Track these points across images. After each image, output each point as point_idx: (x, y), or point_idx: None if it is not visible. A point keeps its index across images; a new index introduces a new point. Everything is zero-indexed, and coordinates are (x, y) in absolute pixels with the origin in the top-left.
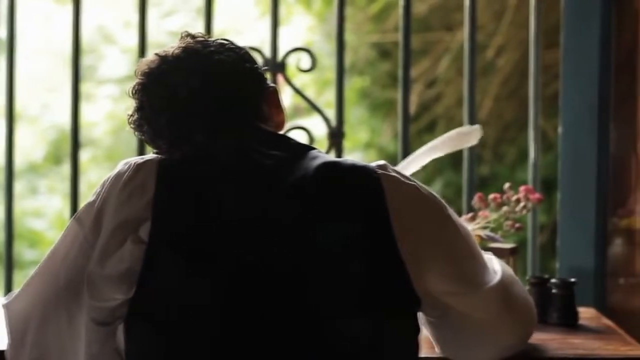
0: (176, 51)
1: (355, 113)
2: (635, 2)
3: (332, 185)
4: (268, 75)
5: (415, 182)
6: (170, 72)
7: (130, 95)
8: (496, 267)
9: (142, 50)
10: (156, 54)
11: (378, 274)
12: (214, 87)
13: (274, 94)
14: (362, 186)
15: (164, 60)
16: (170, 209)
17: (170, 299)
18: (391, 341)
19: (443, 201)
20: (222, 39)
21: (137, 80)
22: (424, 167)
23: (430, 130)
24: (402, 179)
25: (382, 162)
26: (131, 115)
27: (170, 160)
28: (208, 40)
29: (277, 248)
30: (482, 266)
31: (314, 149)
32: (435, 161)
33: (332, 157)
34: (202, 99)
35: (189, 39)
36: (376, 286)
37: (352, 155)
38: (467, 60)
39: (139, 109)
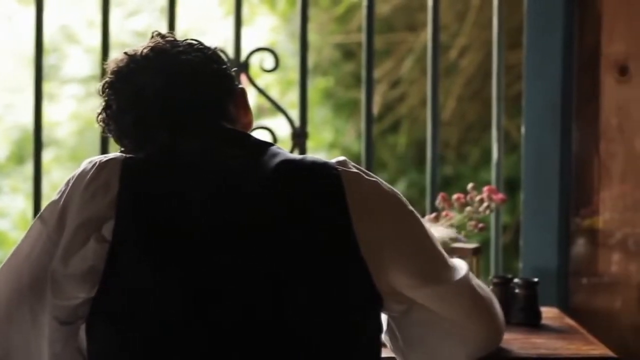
0: (145, 50)
1: (319, 113)
2: (598, 2)
3: (292, 182)
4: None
5: (376, 178)
6: (137, 72)
7: (99, 93)
8: (458, 263)
9: (105, 50)
10: (125, 53)
11: (338, 272)
12: (179, 87)
13: (242, 95)
14: (322, 183)
15: (133, 60)
16: (133, 208)
17: (132, 298)
18: (353, 339)
19: (404, 198)
20: (191, 40)
21: (105, 79)
22: (387, 167)
23: (394, 131)
24: (363, 175)
25: (342, 158)
26: (99, 114)
27: (134, 159)
28: (177, 41)
29: (239, 248)
30: (446, 262)
31: (273, 145)
32: (398, 161)
33: (292, 154)
34: (167, 99)
35: (158, 39)
36: (337, 284)
37: (316, 155)
38: (430, 61)
39: (106, 107)
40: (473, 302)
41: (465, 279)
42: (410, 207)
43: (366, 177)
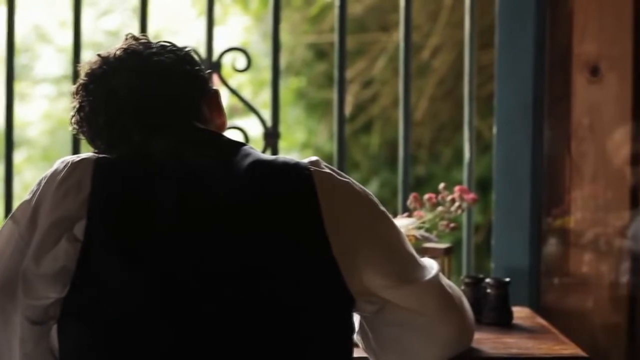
0: (118, 52)
1: (292, 113)
2: (569, 3)
3: (263, 183)
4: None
5: (348, 179)
6: (110, 73)
7: (72, 95)
8: (429, 263)
9: (77, 50)
10: (98, 55)
11: (310, 273)
12: (151, 88)
13: (215, 96)
14: (294, 183)
15: (105, 61)
16: (105, 208)
17: (104, 298)
18: (324, 339)
19: (376, 199)
20: (164, 41)
21: (79, 81)
22: (359, 167)
23: (367, 131)
24: (335, 175)
25: (314, 158)
26: (72, 116)
27: (107, 159)
28: (150, 42)
29: (211, 247)
30: (417, 262)
31: (245, 145)
32: (371, 161)
33: (264, 154)
34: (139, 100)
35: (132, 41)
36: (308, 285)
37: (289, 156)
38: (402, 61)
39: (80, 109)
40: (443, 302)
41: (435, 279)
42: (382, 208)
43: (338, 177)
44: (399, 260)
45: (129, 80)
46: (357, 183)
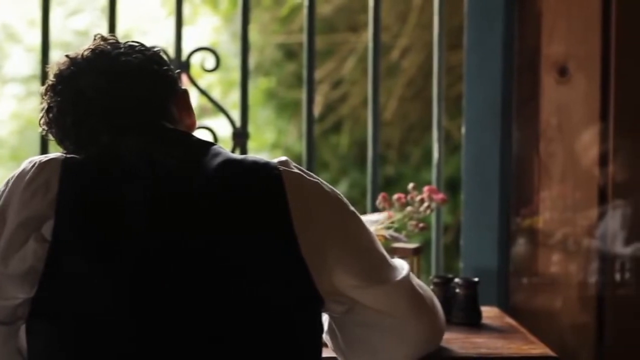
0: (86, 53)
1: (262, 114)
2: (537, 3)
3: (233, 182)
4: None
5: (318, 179)
6: (78, 74)
7: (42, 97)
8: (399, 263)
9: (45, 49)
10: (67, 56)
11: (278, 272)
12: (119, 88)
13: (184, 96)
14: (263, 183)
15: (73, 62)
16: (73, 208)
17: (72, 299)
18: (293, 339)
19: (345, 199)
20: (133, 41)
21: (47, 82)
22: (329, 167)
23: (336, 131)
24: (305, 175)
25: (284, 158)
26: (41, 117)
27: (75, 159)
28: (118, 43)
29: (180, 247)
30: (387, 262)
31: (215, 145)
32: (340, 161)
33: (234, 154)
34: (107, 100)
35: (100, 41)
36: (277, 284)
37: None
38: (371, 61)
39: (48, 110)
40: (414, 302)
41: (406, 279)
42: (352, 208)
43: (307, 177)
44: (369, 261)
45: (96, 80)
46: (327, 183)
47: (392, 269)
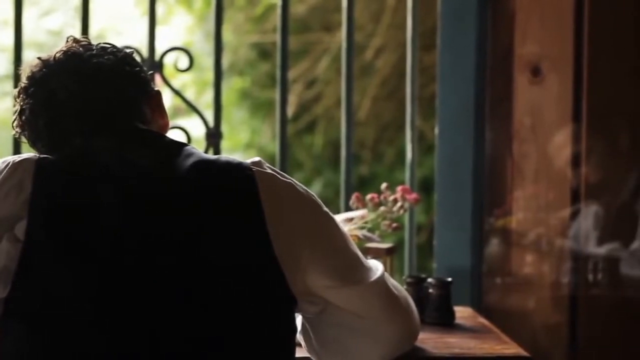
0: (58, 55)
1: (236, 114)
2: (510, 4)
3: (205, 182)
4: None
5: (291, 179)
6: (50, 76)
7: (14, 99)
8: (374, 264)
9: (18, 49)
10: (39, 58)
11: (251, 272)
12: (90, 90)
13: (157, 97)
14: (236, 183)
15: (45, 64)
16: (46, 209)
17: (45, 299)
18: (266, 340)
19: (319, 200)
20: (105, 43)
21: (20, 84)
22: (303, 167)
23: (310, 131)
24: (278, 176)
25: (257, 159)
26: (14, 120)
27: (48, 159)
28: (91, 44)
29: (152, 247)
30: (361, 262)
31: (187, 145)
32: (314, 161)
33: (206, 155)
34: (79, 102)
35: (73, 43)
36: (250, 284)
37: (233, 156)
38: (344, 61)
39: (21, 112)
40: (388, 303)
41: (381, 280)
42: (325, 209)
43: (281, 178)
44: (343, 261)
45: (68, 82)
46: (300, 184)
47: (366, 269)
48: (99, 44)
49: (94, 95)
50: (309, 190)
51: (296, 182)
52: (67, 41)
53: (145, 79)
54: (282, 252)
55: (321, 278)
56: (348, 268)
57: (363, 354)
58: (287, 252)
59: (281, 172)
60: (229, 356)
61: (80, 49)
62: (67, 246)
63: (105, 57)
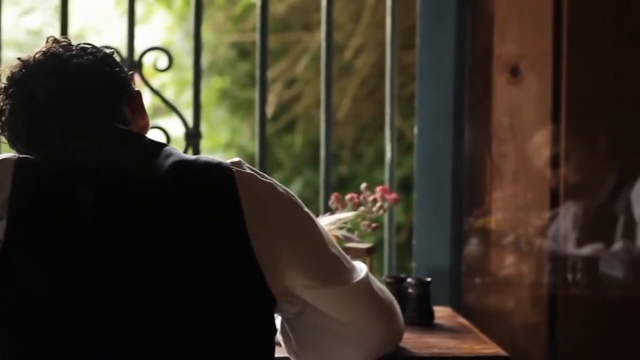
0: (38, 55)
1: (216, 113)
2: (489, 4)
3: (185, 182)
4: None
5: (271, 180)
6: (30, 76)
7: None
8: (358, 265)
9: None
10: (19, 59)
11: (231, 272)
12: (69, 90)
13: (137, 97)
14: (215, 183)
15: (25, 65)
16: (26, 209)
17: (25, 300)
18: (245, 340)
19: (299, 200)
20: (85, 43)
21: (0, 85)
22: (283, 167)
23: (290, 130)
24: (257, 176)
25: (236, 159)
26: None
27: (28, 159)
28: (71, 45)
29: (132, 248)
30: (344, 263)
31: (167, 145)
32: (294, 161)
33: (186, 155)
34: (58, 102)
35: (52, 43)
36: (229, 284)
37: (213, 156)
38: (323, 61)
39: (0, 113)
40: (372, 304)
41: (364, 281)
42: (306, 209)
43: (260, 178)
44: (324, 262)
45: (48, 83)
46: (280, 184)
47: (348, 270)
48: (79, 44)
49: (73, 96)
50: (288, 191)
51: (276, 182)
52: (47, 41)
53: (126, 79)
54: (261, 252)
55: (301, 278)
56: (329, 269)
57: (343, 355)
58: (267, 252)
59: (261, 172)
60: (208, 356)
61: (60, 49)
62: (47, 246)
63: (85, 58)
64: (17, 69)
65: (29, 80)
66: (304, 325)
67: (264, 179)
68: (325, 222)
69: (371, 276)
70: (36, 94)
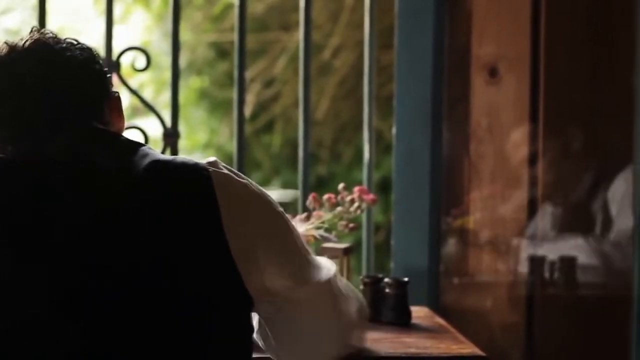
0: (28, 43)
1: (195, 113)
2: (468, 3)
3: (162, 182)
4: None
5: (246, 179)
6: (18, 61)
7: None
8: (325, 263)
9: None
10: (5, 43)
11: (208, 273)
12: (60, 80)
13: (117, 100)
14: (192, 183)
15: (14, 49)
16: (1, 207)
17: (0, 301)
18: (223, 340)
19: (274, 200)
20: (72, 39)
21: None
22: (261, 167)
23: (269, 130)
24: (233, 175)
25: (212, 158)
26: None
27: (2, 159)
28: (59, 38)
29: (107, 246)
30: (314, 262)
31: (143, 145)
32: (273, 161)
33: (162, 155)
34: (47, 91)
35: (38, 34)
36: (206, 285)
37: (191, 156)
38: (302, 61)
39: None
40: (336, 302)
41: (333, 279)
42: (280, 209)
43: (237, 178)
44: (297, 261)
45: (38, 70)
46: (256, 184)
47: (318, 269)
48: (66, 38)
49: (63, 87)
50: (264, 191)
51: (252, 182)
52: (32, 31)
53: (109, 79)
54: (238, 252)
55: (277, 277)
56: (303, 267)
57: (319, 350)
58: (244, 252)
59: (237, 172)
60: (186, 356)
61: (50, 40)
62: (22, 247)
63: (77, 52)
64: (4, 53)
65: (16, 65)
66: (280, 322)
67: (240, 179)
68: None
69: (338, 273)
70: (24, 79)
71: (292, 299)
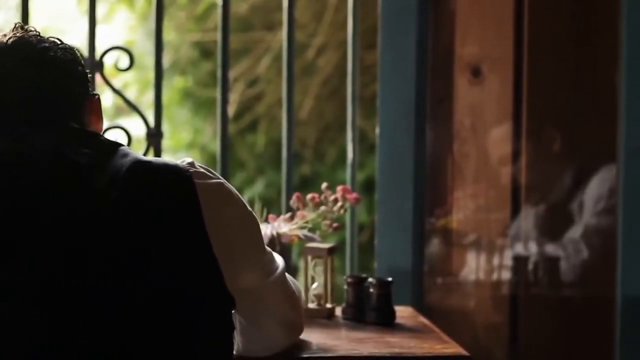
0: (10, 40)
1: (179, 113)
2: (451, 3)
3: (144, 183)
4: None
5: (220, 178)
6: (1, 60)
7: None
8: (278, 257)
9: None
10: None
11: (191, 273)
12: (43, 80)
13: (97, 102)
14: (176, 185)
15: None
16: None
17: None
18: (205, 339)
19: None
20: (54, 37)
21: None
22: (245, 167)
23: (253, 130)
24: (210, 175)
25: (189, 159)
26: None
27: None
28: (42, 36)
29: (87, 246)
30: (272, 254)
31: (123, 145)
32: (257, 161)
33: (142, 155)
34: (30, 89)
35: (20, 30)
36: (190, 285)
37: (175, 156)
38: (285, 61)
39: None
40: (288, 294)
41: (284, 272)
42: (249, 207)
43: (213, 177)
44: (265, 256)
45: (21, 68)
46: (224, 180)
47: (275, 261)
48: (49, 37)
49: (46, 86)
50: (233, 189)
51: (224, 180)
52: (15, 27)
53: (90, 81)
54: (220, 251)
55: (251, 274)
56: (268, 262)
57: (277, 337)
58: (224, 251)
59: (211, 170)
60: (167, 354)
61: (32, 39)
62: (2, 246)
63: (60, 53)
64: None
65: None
66: (249, 315)
67: (215, 178)
68: None
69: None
70: (6, 77)
71: (261, 293)
